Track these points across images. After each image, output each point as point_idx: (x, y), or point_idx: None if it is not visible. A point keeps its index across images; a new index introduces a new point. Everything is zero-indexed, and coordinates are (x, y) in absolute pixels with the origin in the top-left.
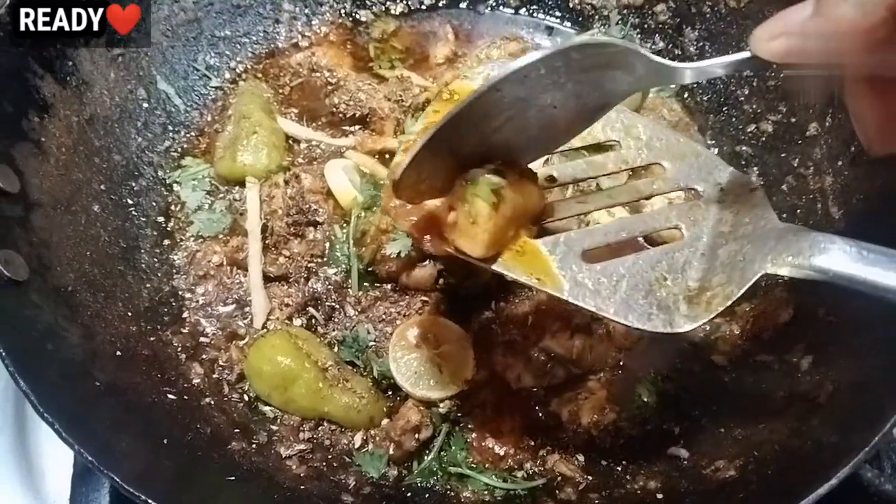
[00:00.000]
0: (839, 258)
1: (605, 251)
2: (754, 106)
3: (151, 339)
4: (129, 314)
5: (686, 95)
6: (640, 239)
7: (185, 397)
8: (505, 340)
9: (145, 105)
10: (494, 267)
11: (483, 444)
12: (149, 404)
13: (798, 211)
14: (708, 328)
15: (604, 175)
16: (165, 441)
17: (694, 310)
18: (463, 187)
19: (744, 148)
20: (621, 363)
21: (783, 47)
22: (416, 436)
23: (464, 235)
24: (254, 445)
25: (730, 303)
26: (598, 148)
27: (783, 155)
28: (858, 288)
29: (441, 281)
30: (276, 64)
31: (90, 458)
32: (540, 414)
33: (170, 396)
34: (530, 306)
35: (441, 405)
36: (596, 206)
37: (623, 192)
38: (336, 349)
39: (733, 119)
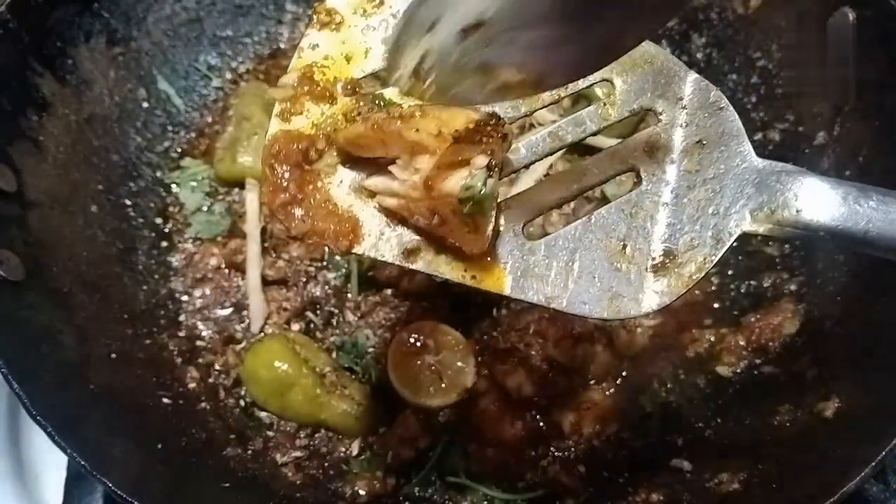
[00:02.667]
0: (833, 209)
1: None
2: (762, 114)
3: (147, 342)
4: (125, 316)
5: None
6: None
7: (181, 402)
8: (506, 348)
9: (145, 105)
10: (417, 266)
11: (483, 453)
12: (143, 408)
13: None
14: (713, 339)
15: (540, 108)
16: (159, 446)
17: (663, 282)
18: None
19: None
20: (624, 373)
21: None
22: (415, 444)
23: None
24: (249, 452)
25: (706, 272)
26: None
27: (791, 164)
28: (862, 249)
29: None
30: (279, 65)
31: (83, 463)
32: (541, 424)
33: (165, 401)
34: (532, 314)
35: (440, 413)
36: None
37: (564, 132)
38: (334, 355)
39: None
